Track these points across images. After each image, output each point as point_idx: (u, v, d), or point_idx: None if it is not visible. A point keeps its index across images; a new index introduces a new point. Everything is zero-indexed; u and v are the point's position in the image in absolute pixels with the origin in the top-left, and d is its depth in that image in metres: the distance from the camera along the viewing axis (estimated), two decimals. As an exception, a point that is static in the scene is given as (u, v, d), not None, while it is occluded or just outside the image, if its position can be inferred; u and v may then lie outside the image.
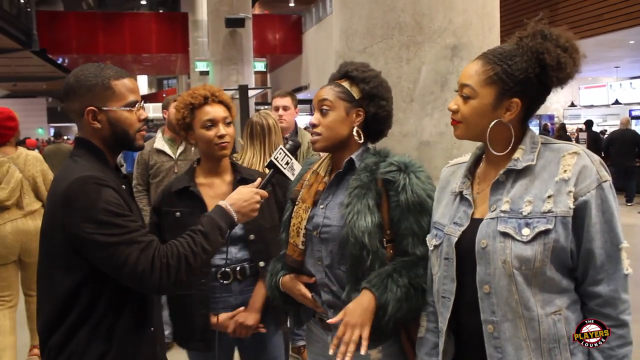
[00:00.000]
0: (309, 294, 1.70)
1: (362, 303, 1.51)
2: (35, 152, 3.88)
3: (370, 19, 2.42)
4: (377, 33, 2.41)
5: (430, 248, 1.46)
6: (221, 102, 2.06)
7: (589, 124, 12.50)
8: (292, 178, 1.81)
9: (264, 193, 1.74)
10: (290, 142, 1.87)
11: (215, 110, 2.02)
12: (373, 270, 1.55)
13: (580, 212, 1.24)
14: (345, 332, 1.49)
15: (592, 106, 17.45)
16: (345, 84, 1.68)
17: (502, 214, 1.29)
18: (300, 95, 18.10)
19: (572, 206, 1.24)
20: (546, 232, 1.24)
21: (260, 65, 16.10)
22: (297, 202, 1.74)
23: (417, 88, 2.43)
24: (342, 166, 1.68)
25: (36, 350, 3.46)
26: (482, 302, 1.30)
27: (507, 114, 1.32)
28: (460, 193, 1.42)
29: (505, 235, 1.27)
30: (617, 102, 16.20)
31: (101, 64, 1.60)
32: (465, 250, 1.34)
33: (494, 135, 1.34)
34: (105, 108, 1.53)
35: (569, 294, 1.29)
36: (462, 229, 1.37)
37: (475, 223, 1.35)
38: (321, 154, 1.85)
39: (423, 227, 1.55)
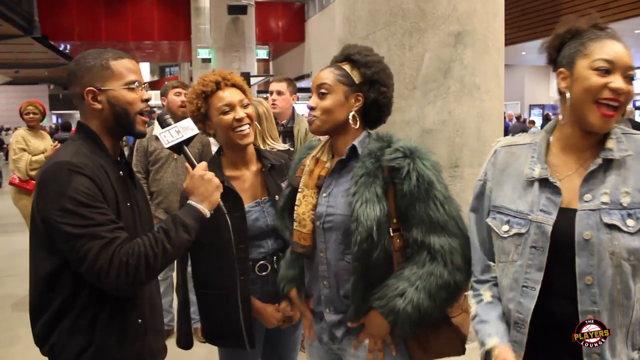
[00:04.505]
0: (310, 317, 1.78)
1: (376, 324, 1.59)
2: (21, 130, 5.02)
3: (374, 5, 2.40)
4: (380, 19, 2.39)
5: (506, 235, 1.41)
6: (234, 85, 1.95)
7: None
8: (192, 134, 1.65)
9: (204, 164, 1.63)
10: (160, 116, 1.71)
11: (230, 94, 1.91)
12: (379, 261, 1.53)
13: None
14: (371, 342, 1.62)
15: (596, 96, 17.25)
16: (346, 67, 1.62)
17: (604, 206, 1.30)
18: (303, 83, 18.01)
19: None
20: None
21: (262, 53, 16.05)
22: (300, 189, 1.69)
23: (420, 75, 2.41)
24: (345, 153, 1.63)
25: None
26: (581, 293, 1.30)
27: None
28: (545, 180, 1.38)
29: (611, 227, 1.28)
30: (621, 92, 15.97)
31: (102, 50, 1.58)
32: (560, 240, 1.33)
33: None
34: (104, 88, 1.52)
35: None
36: (553, 217, 1.34)
37: (565, 213, 1.33)
38: (321, 138, 1.82)
39: (431, 214, 1.51)
